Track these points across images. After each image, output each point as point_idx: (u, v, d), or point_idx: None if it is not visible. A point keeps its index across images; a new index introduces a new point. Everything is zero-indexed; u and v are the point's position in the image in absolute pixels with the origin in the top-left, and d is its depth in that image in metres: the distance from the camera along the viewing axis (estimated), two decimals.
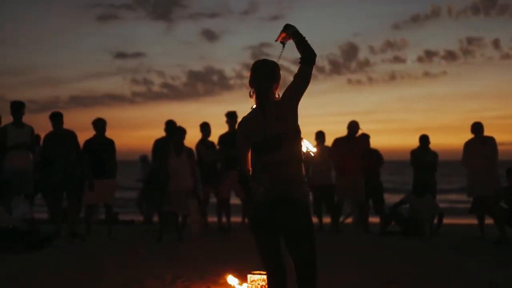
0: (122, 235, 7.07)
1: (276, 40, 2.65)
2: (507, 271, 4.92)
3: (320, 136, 8.00)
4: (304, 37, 2.57)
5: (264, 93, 2.58)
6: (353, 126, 7.67)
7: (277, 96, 2.60)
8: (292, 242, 2.52)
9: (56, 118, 6.79)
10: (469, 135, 7.37)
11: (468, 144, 7.31)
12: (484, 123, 7.32)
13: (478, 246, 6.44)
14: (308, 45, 2.55)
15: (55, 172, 6.72)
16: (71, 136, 6.89)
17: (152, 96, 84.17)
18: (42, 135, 6.96)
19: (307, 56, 2.53)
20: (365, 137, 7.92)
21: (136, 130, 79.42)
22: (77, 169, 6.84)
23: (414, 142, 8.04)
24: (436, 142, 7.99)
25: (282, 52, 2.64)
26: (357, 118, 7.81)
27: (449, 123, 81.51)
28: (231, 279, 4.03)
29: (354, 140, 7.65)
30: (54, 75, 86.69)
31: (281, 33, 2.63)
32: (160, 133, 7.47)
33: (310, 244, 2.53)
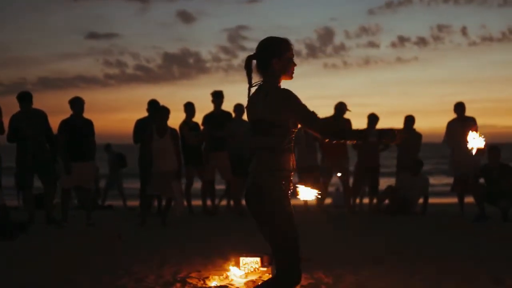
0: (101, 221, 6.77)
1: None
2: (489, 246, 5.03)
3: None
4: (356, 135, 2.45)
5: (260, 70, 2.41)
6: (340, 107, 7.62)
7: (278, 71, 2.39)
8: (264, 232, 2.40)
9: (25, 99, 6.30)
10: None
11: (450, 124, 7.44)
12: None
13: (458, 223, 6.57)
14: (347, 134, 2.43)
15: (25, 154, 6.28)
16: (41, 116, 6.42)
17: (126, 79, 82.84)
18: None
19: (330, 132, 2.37)
20: (374, 118, 7.80)
21: (109, 113, 78.15)
22: (47, 151, 6.40)
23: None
24: None
25: None
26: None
27: (420, 107, 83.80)
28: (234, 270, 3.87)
29: (341, 121, 7.60)
30: (21, 55, 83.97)
31: None
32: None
33: (277, 235, 2.36)
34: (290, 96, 2.34)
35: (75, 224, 6.38)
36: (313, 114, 2.34)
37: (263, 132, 2.35)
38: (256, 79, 2.43)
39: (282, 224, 2.35)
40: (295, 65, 2.45)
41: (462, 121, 7.30)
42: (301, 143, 7.56)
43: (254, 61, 2.43)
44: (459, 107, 7.37)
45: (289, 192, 2.40)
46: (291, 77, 2.45)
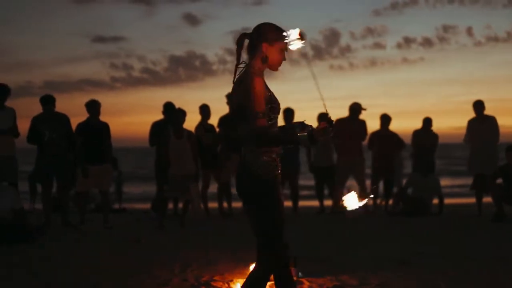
0: (117, 224, 6.75)
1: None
2: (509, 246, 5.03)
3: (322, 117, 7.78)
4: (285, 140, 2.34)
5: (248, 50, 2.38)
6: (354, 107, 7.58)
7: (264, 58, 2.33)
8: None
9: (49, 102, 6.29)
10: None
11: (470, 123, 7.38)
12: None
13: (477, 223, 6.54)
14: (275, 140, 2.32)
15: (45, 156, 6.28)
16: (63, 119, 6.42)
17: (133, 82, 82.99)
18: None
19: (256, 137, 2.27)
20: (386, 118, 7.76)
21: (116, 116, 78.34)
22: (69, 154, 6.42)
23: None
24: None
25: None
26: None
27: (426, 107, 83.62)
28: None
29: (355, 121, 7.56)
30: (28, 59, 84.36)
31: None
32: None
33: (263, 218, 2.35)
34: (246, 84, 2.29)
35: (92, 228, 6.37)
36: (252, 113, 2.22)
37: (244, 117, 2.28)
38: (244, 58, 2.38)
39: (269, 207, 2.33)
40: (284, 59, 2.39)
41: (480, 120, 7.25)
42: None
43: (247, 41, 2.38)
44: (478, 106, 7.28)
45: (277, 175, 2.35)
46: (276, 69, 2.40)
